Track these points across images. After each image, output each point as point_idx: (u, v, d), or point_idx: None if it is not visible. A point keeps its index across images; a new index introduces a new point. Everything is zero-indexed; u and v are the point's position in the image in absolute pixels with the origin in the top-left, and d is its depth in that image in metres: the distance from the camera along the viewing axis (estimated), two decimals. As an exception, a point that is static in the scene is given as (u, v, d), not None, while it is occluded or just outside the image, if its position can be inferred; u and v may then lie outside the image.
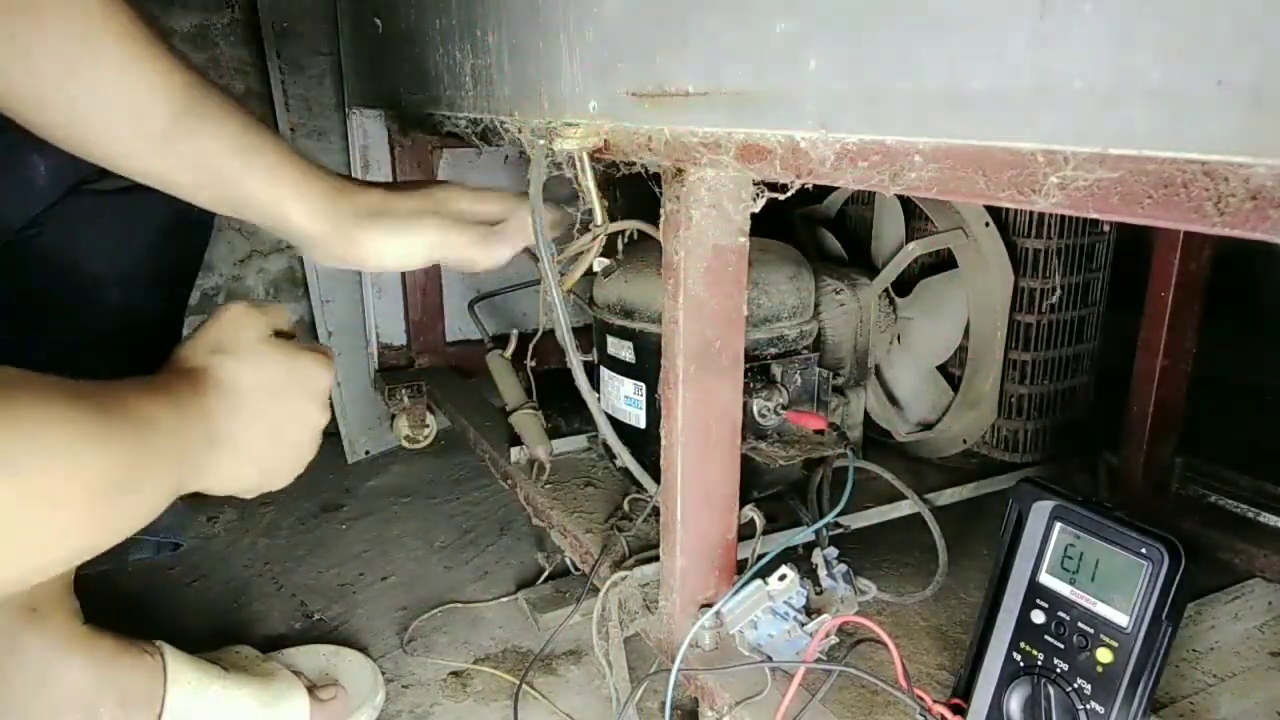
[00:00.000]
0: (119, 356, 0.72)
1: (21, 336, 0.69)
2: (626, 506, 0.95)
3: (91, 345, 0.71)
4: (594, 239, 0.82)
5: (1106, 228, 1.01)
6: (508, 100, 0.80)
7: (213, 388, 0.55)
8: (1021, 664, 0.62)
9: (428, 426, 1.46)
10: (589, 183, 0.72)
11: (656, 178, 0.68)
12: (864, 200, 1.13)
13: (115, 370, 0.68)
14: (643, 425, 0.95)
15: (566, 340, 0.83)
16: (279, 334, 0.61)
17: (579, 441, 1.11)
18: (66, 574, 0.71)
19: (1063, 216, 0.97)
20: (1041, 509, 0.62)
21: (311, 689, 0.82)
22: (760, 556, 0.75)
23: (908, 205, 1.05)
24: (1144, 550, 0.56)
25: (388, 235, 0.66)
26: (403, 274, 1.45)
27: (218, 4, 1.42)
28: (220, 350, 0.57)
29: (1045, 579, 0.61)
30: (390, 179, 1.42)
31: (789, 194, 0.61)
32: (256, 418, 0.57)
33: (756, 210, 0.67)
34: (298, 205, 0.63)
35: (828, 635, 0.70)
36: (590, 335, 1.02)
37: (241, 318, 0.60)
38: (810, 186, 0.54)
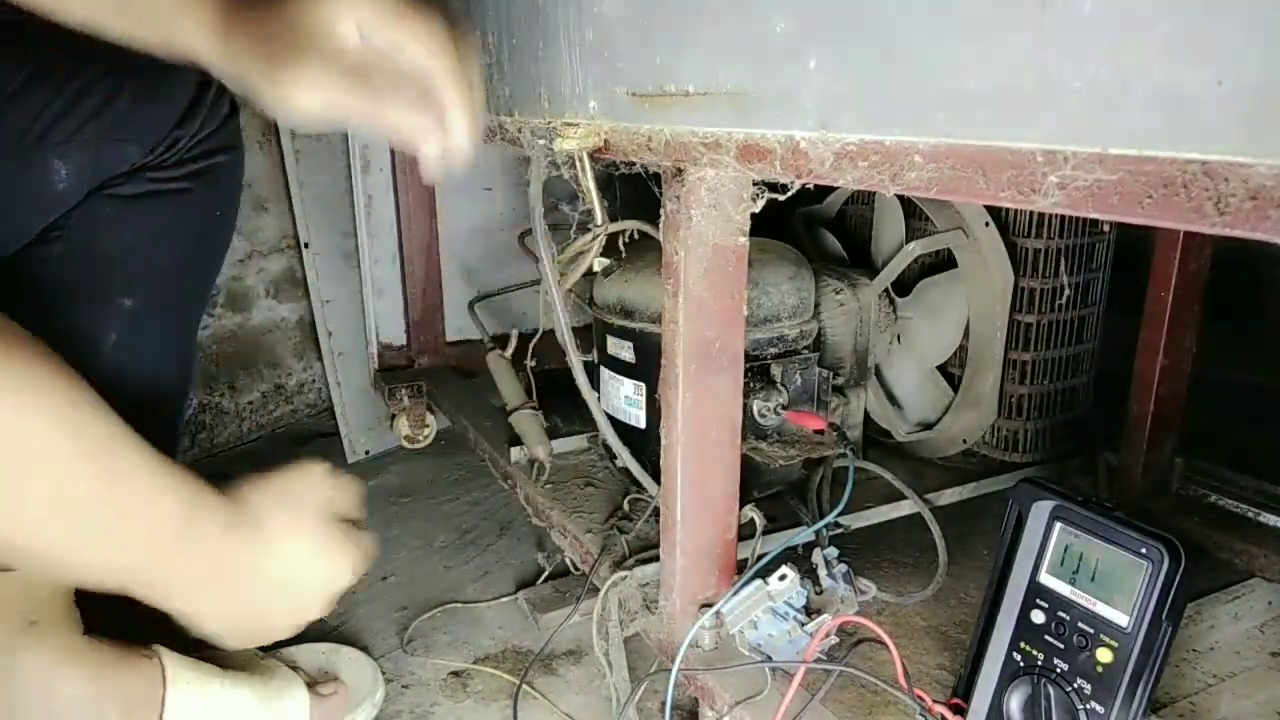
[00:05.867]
0: (126, 366, 0.71)
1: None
2: (626, 506, 0.95)
3: (102, 352, 0.71)
4: (594, 239, 0.82)
5: (1106, 228, 1.00)
6: (508, 100, 0.80)
7: (251, 529, 0.54)
8: (1021, 664, 0.62)
9: (428, 426, 1.46)
10: (589, 183, 0.72)
11: (656, 178, 0.68)
12: (864, 200, 1.13)
13: (117, 379, 0.68)
14: (643, 425, 0.95)
15: (566, 340, 0.83)
16: (345, 518, 0.59)
17: (579, 441, 1.11)
18: (67, 587, 0.71)
19: (1063, 216, 0.97)
20: (1041, 509, 0.62)
21: (311, 685, 0.82)
22: (760, 556, 0.75)
23: (908, 205, 1.05)
24: (1144, 550, 0.56)
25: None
26: (403, 274, 1.45)
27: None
28: (282, 503, 0.56)
29: (1045, 579, 0.61)
30: (390, 178, 1.42)
31: (789, 194, 0.61)
32: (262, 582, 0.55)
33: (756, 210, 0.67)
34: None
35: (828, 635, 0.70)
36: (590, 335, 1.02)
37: (319, 484, 0.58)
38: (810, 186, 0.54)
